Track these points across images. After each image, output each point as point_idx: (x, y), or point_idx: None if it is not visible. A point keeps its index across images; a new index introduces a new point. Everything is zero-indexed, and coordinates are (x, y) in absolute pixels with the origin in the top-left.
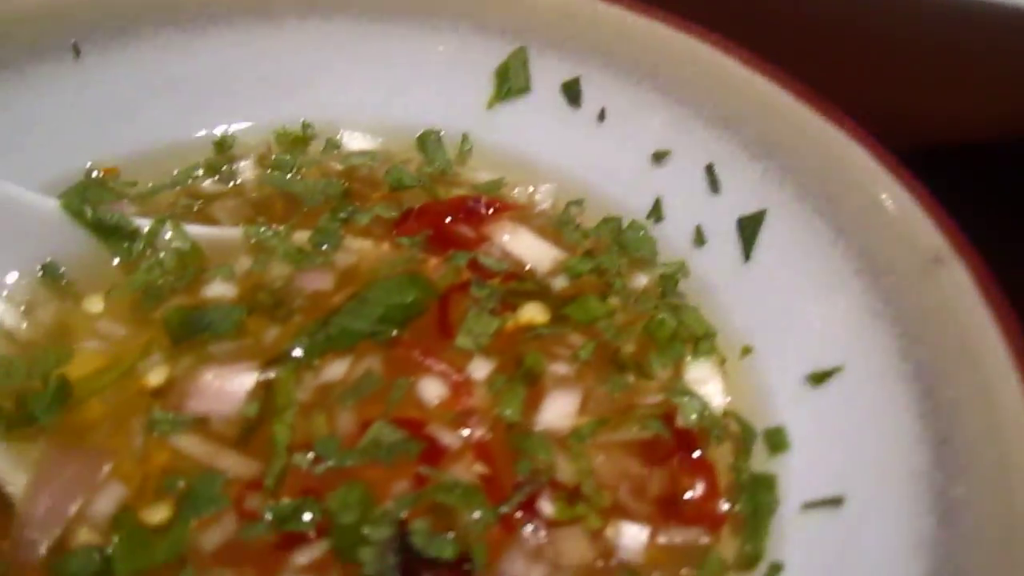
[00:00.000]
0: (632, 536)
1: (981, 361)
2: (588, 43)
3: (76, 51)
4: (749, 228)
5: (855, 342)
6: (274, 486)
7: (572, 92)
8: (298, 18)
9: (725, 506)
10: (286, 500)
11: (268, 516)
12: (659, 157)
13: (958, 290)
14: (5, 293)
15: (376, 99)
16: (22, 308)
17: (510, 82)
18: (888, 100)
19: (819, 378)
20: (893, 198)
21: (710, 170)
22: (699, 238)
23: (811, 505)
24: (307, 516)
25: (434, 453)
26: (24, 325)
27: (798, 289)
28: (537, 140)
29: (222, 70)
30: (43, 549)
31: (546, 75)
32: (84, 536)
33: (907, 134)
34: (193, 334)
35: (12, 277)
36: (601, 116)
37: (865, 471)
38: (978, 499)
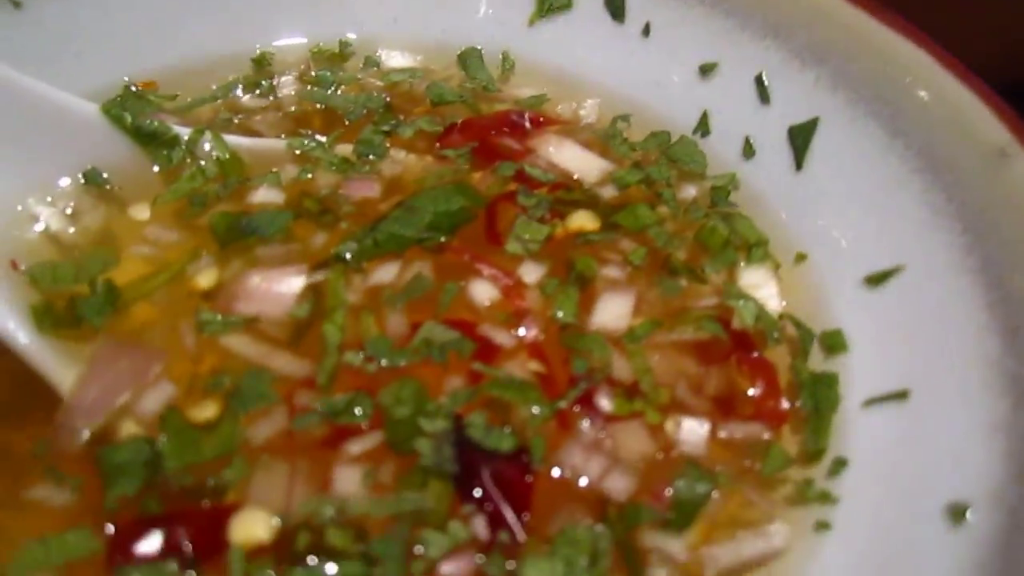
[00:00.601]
0: (692, 430)
1: None
2: None
3: None
4: (801, 137)
5: (915, 241)
6: (326, 383)
7: (616, 6)
8: None
9: (786, 404)
10: (339, 395)
11: (320, 409)
12: (706, 70)
13: None
14: (50, 198)
15: (415, 17)
16: (68, 213)
17: None
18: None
19: (877, 279)
20: (952, 95)
21: (759, 81)
22: (748, 150)
23: (874, 401)
24: (359, 410)
25: (488, 352)
26: (71, 230)
27: (854, 194)
28: (581, 56)
29: None
30: (84, 437)
31: None
32: (129, 430)
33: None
34: (240, 238)
35: (63, 182)
36: (646, 31)
37: (930, 364)
38: None
